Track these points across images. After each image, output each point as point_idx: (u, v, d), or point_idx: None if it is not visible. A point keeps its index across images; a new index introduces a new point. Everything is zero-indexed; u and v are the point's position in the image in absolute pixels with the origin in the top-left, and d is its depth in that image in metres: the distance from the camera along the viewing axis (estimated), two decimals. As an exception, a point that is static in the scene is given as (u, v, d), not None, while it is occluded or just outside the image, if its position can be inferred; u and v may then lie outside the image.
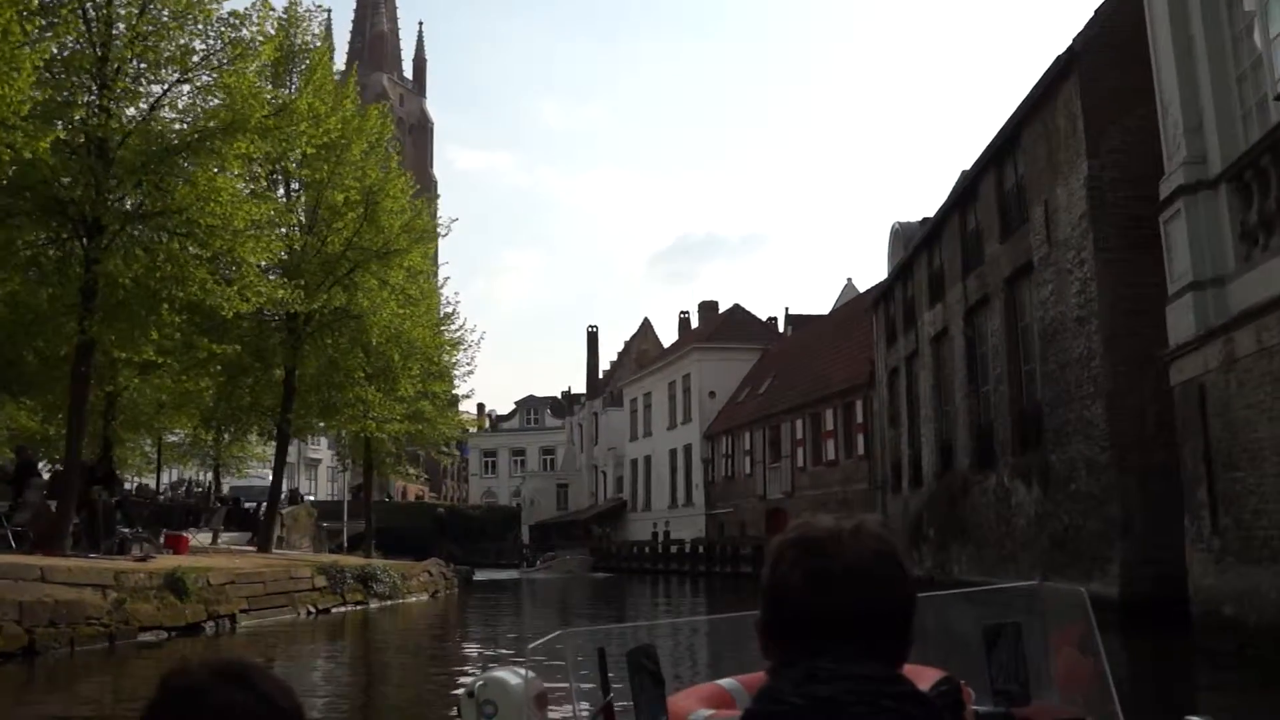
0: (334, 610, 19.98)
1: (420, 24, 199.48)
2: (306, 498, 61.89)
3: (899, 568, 1.22)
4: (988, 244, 19.69)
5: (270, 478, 51.73)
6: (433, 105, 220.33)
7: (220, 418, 24.16)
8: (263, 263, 18.77)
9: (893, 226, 29.30)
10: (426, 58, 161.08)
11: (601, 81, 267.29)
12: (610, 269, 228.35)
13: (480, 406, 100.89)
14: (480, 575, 41.51)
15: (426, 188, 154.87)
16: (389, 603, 22.61)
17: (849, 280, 50.67)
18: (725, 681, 1.95)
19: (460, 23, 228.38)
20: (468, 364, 30.36)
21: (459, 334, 29.73)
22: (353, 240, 23.89)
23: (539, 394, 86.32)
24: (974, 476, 20.25)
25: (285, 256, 22.88)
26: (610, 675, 2.01)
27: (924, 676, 1.55)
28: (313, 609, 19.28)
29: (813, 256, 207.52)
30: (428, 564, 28.28)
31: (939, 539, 22.40)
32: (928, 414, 24.02)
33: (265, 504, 44.46)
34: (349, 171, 23.95)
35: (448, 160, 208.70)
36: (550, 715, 2.15)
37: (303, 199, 23.38)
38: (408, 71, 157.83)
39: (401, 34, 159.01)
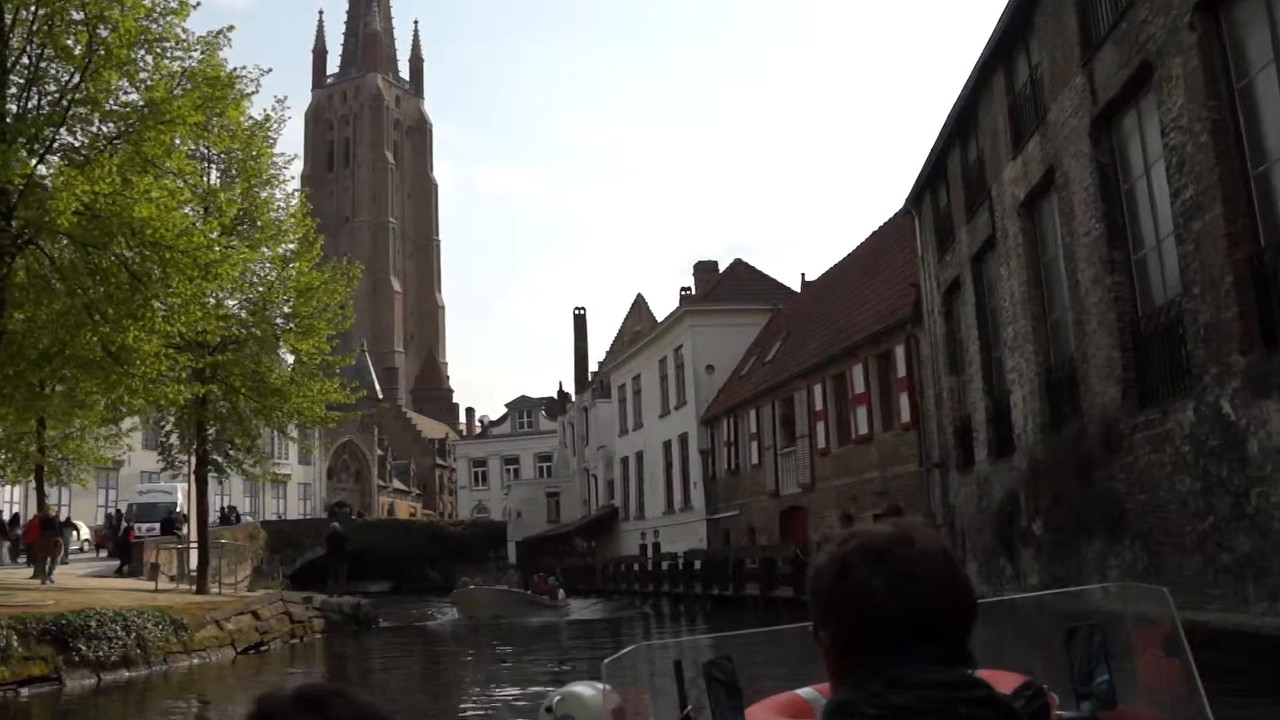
0: (-54, 704, 10.87)
1: (416, 22, 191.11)
2: (245, 517, 53.06)
3: (960, 567, 1.20)
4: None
5: (178, 493, 42.15)
6: (455, 128, 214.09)
7: None
8: None
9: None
10: (424, 57, 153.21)
11: (624, 94, 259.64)
12: (637, 281, 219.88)
13: (470, 411, 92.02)
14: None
15: (426, 191, 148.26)
16: (128, 674, 13.43)
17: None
18: (804, 691, 1.73)
19: (480, 41, 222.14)
20: (337, 309, 21.02)
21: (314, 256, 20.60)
22: (73, 89, 14.91)
23: (533, 394, 76.86)
24: (1133, 417, 10.73)
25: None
26: (687, 688, 1.83)
27: (1006, 681, 1.37)
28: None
29: (842, 244, 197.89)
30: (259, 600, 18.97)
31: (1056, 537, 12.83)
32: (1018, 333, 14.53)
33: (158, 526, 35.64)
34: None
35: (473, 181, 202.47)
36: None
37: None
38: (404, 73, 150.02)
39: (398, 34, 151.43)
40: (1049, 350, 13.70)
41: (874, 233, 30.72)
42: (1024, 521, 14.05)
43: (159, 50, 15.29)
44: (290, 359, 21.35)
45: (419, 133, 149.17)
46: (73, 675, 12.59)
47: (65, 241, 15.29)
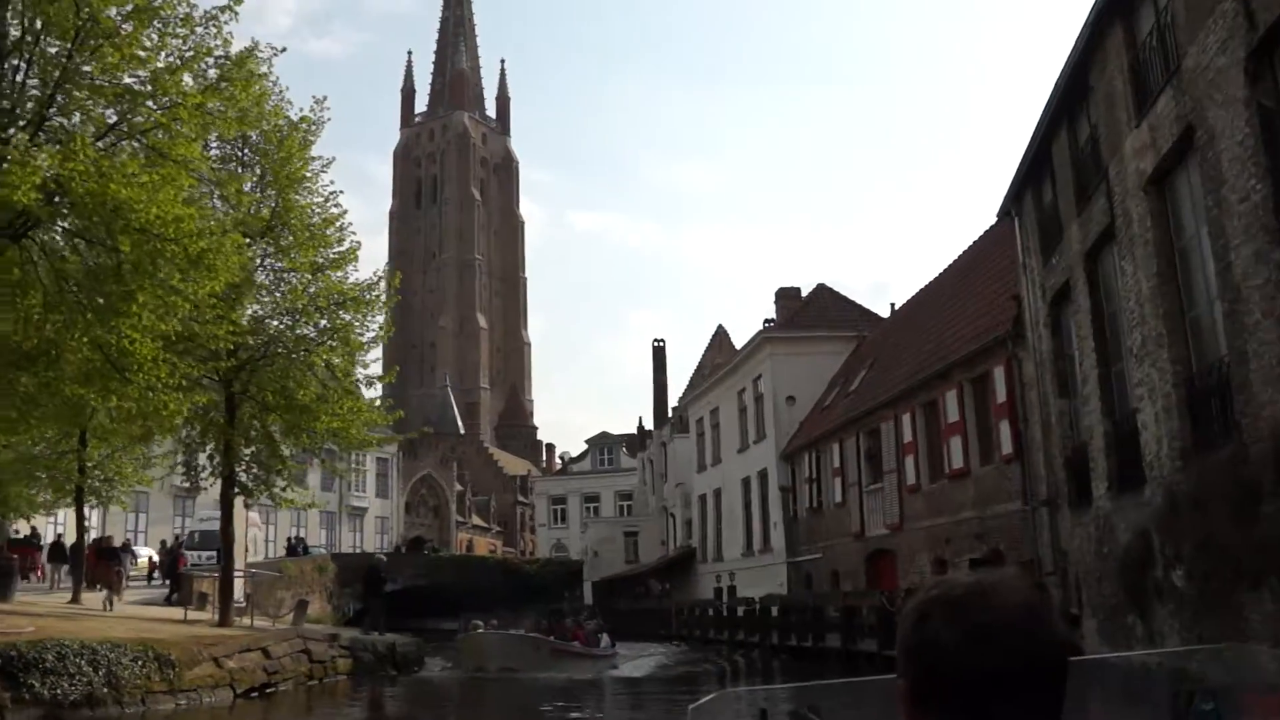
0: None
1: (503, 62, 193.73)
2: (317, 549, 52.11)
3: (1053, 620, 1.14)
4: None
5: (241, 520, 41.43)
6: (545, 168, 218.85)
7: None
8: None
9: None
10: (510, 96, 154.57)
11: (707, 135, 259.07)
12: (725, 318, 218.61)
13: (550, 448, 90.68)
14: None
15: (514, 228, 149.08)
16: (91, 714, 11.79)
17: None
18: None
19: (570, 81, 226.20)
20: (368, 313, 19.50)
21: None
22: (64, 64, 13.71)
23: (615, 431, 75.00)
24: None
25: None
26: None
27: None
28: None
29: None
30: (271, 635, 17.23)
31: (1204, 589, 10.08)
32: (1147, 337, 11.87)
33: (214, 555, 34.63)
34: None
35: (565, 222, 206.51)
36: None
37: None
38: (491, 111, 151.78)
39: (485, 74, 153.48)
40: (1189, 355, 11.03)
41: (967, 248, 27.95)
42: (1159, 570, 11.28)
43: (159, 26, 14.04)
44: (324, 374, 19.91)
45: (505, 170, 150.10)
46: (21, 715, 10.99)
47: (60, 231, 14.13)
